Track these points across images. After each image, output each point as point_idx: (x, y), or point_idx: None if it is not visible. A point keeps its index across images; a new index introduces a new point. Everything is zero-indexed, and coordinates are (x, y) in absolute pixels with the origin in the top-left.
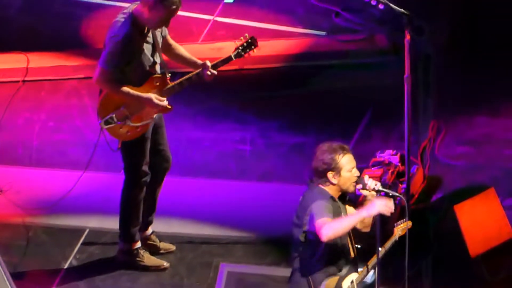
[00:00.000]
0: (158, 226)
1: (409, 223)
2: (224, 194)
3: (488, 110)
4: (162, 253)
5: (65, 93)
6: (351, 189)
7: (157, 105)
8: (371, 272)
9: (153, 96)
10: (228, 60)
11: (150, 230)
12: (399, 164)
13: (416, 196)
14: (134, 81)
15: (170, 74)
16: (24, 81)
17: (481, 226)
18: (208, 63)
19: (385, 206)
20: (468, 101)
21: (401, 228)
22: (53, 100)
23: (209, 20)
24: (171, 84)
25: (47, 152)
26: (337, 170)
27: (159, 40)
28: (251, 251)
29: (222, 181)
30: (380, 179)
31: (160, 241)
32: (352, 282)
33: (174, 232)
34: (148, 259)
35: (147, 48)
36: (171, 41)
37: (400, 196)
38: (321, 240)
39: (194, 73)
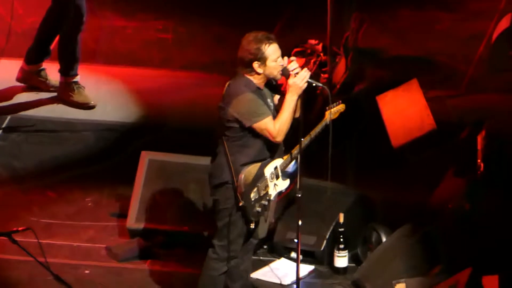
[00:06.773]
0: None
1: (343, 106)
2: (148, 83)
3: (412, 3)
4: None
5: None
6: (278, 77)
7: None
8: (293, 162)
9: None
10: None
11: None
12: (322, 54)
13: (338, 86)
14: None
15: None
16: None
17: (403, 117)
18: None
19: (304, 76)
20: None
21: (333, 111)
22: None
23: None
24: None
25: None
26: (262, 60)
27: None
28: (172, 140)
29: (146, 69)
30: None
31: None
32: (276, 168)
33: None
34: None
35: None
36: None
37: (323, 85)
38: (245, 126)
39: None
